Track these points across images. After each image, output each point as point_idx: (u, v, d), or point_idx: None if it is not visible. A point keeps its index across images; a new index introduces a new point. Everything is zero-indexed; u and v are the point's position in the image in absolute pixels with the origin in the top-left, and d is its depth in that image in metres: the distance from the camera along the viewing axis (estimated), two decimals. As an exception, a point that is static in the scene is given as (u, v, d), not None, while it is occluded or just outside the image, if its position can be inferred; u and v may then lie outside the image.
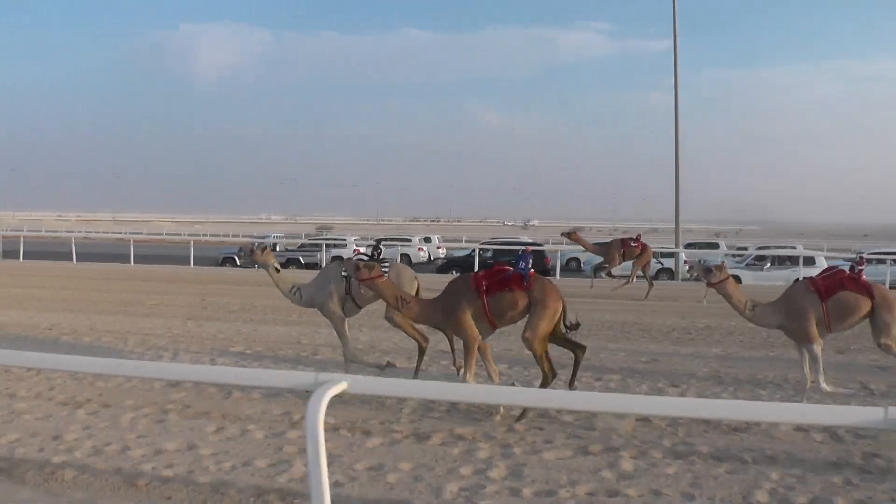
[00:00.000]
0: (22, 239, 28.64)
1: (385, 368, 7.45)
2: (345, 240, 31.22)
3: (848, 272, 6.83)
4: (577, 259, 28.33)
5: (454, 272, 22.07)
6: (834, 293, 6.65)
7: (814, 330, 6.64)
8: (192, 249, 25.83)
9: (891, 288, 6.96)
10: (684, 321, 12.22)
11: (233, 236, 57.53)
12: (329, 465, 4.97)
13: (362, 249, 22.09)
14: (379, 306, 7.85)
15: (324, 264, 19.14)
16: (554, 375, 6.28)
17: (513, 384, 7.15)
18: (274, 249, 26.98)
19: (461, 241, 48.08)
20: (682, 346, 9.91)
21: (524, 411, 6.06)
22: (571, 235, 17.47)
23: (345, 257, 15.52)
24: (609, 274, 18.00)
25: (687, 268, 21.00)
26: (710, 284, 7.03)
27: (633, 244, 16.41)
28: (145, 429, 5.87)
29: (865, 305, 6.62)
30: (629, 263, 16.95)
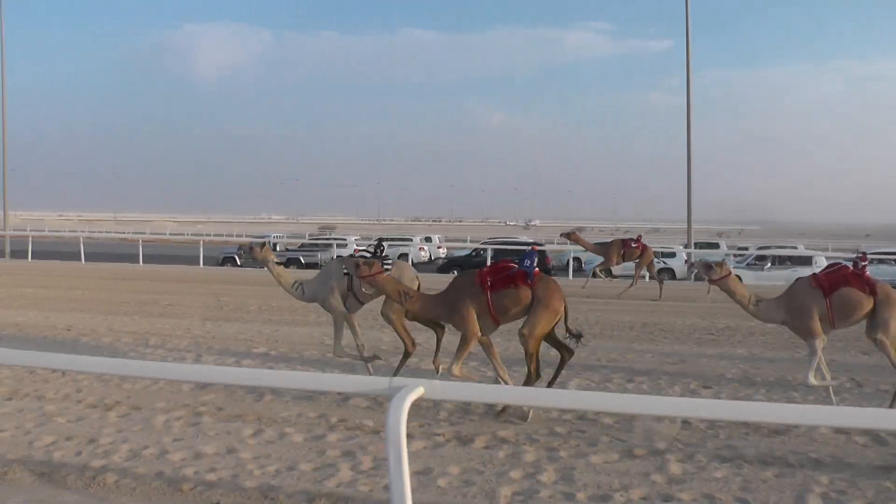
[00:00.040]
0: (30, 239, 28.49)
1: (369, 363, 7.61)
2: (345, 240, 31.11)
3: (851, 268, 6.80)
4: (577, 259, 28.29)
5: (455, 272, 22.01)
6: (837, 289, 6.63)
7: (817, 326, 6.62)
8: (201, 249, 25.80)
9: (893, 287, 6.89)
10: (704, 322, 12.16)
11: (237, 236, 57.46)
12: (376, 469, 4.96)
13: (362, 249, 21.96)
14: (377, 305, 7.86)
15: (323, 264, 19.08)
16: (538, 377, 6.25)
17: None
18: (274, 249, 26.86)
19: (465, 240, 47.98)
20: (707, 347, 9.84)
21: (505, 407, 6.00)
22: (571, 236, 17.38)
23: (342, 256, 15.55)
24: (609, 274, 17.90)
25: (689, 266, 20.97)
26: (711, 281, 7.04)
27: (633, 245, 16.36)
28: (180, 432, 5.78)
29: (868, 302, 6.59)
30: (630, 264, 16.88)
